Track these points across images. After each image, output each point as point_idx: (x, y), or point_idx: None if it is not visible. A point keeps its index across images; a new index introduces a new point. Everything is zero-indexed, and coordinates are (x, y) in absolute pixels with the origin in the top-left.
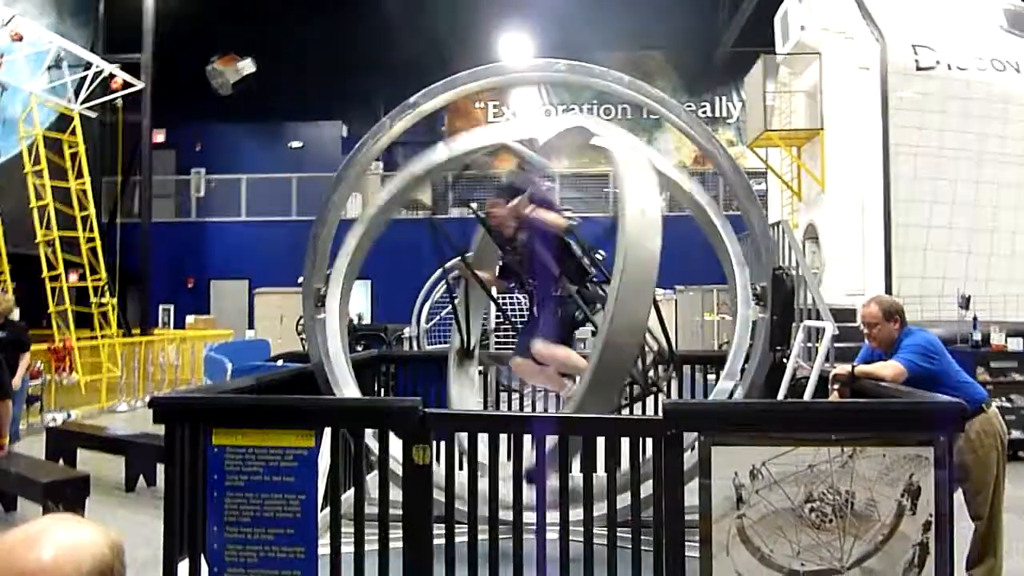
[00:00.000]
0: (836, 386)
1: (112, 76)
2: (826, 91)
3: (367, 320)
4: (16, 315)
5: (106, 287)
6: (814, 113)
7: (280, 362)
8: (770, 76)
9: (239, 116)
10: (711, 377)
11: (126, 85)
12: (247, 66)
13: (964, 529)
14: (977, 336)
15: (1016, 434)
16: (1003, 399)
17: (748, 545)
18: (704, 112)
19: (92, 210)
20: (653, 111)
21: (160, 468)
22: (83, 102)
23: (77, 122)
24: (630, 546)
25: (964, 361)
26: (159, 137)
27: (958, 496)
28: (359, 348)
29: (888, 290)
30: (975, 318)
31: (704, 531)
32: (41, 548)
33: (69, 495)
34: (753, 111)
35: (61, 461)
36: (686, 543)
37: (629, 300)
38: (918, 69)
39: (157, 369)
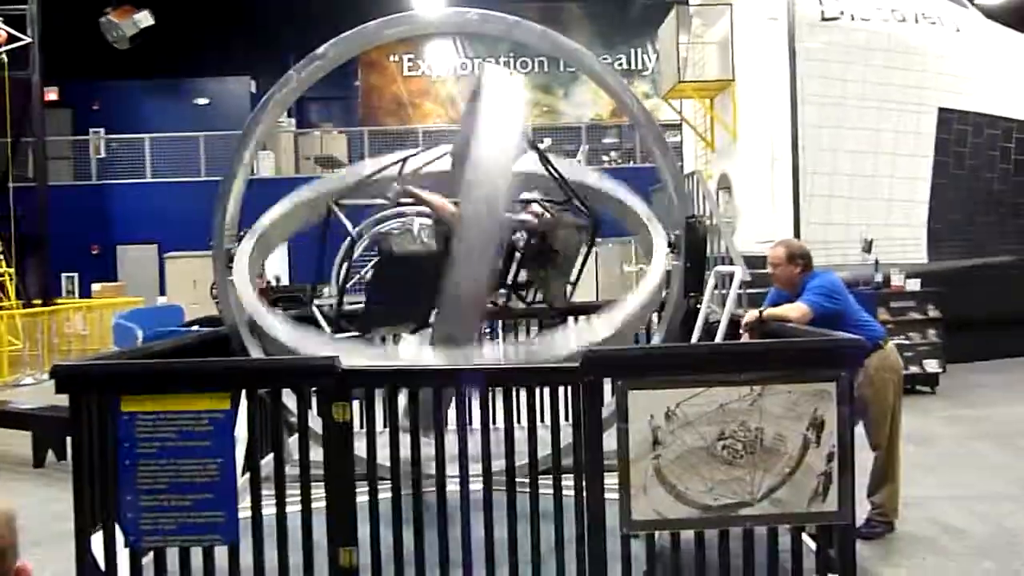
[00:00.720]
0: (745, 332)
1: None
2: (737, 42)
3: (285, 282)
4: None
5: (1, 255)
6: (726, 64)
7: (195, 327)
8: (683, 27)
9: (139, 72)
10: None
11: (11, 39)
12: (144, 18)
13: (864, 459)
14: (879, 278)
15: (913, 369)
16: (902, 336)
17: (664, 484)
18: (620, 65)
19: None
20: (569, 62)
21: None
22: None
23: None
24: (552, 491)
25: (866, 301)
26: (52, 95)
27: (859, 428)
28: (277, 310)
29: (796, 236)
30: (877, 261)
31: (623, 473)
32: None
33: None
34: (667, 63)
35: None
36: (605, 485)
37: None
38: (823, 19)
39: (63, 340)
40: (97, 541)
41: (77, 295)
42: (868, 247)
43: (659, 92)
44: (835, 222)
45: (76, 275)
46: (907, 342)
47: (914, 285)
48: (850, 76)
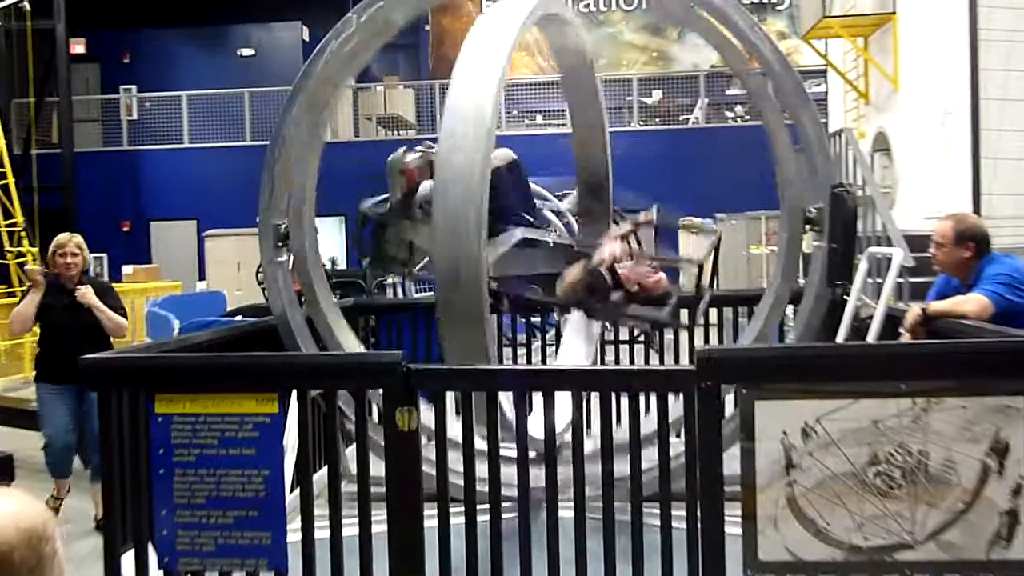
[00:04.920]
0: (906, 332)
1: None
2: None
3: (342, 265)
4: None
5: (23, 233)
6: None
7: (239, 317)
8: None
9: (175, 19)
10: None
11: None
12: None
13: None
14: None
15: None
16: None
17: (800, 518)
18: None
19: (1, 140)
20: None
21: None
22: None
23: None
24: (658, 523)
25: None
26: (78, 48)
27: None
28: (334, 297)
29: (976, 210)
30: None
31: (747, 503)
32: None
33: None
34: None
35: None
36: (726, 517)
37: (448, 230)
38: None
39: None
40: (128, 561)
41: (106, 278)
42: None
43: (799, 30)
44: None
45: (104, 255)
46: None
47: None
48: None
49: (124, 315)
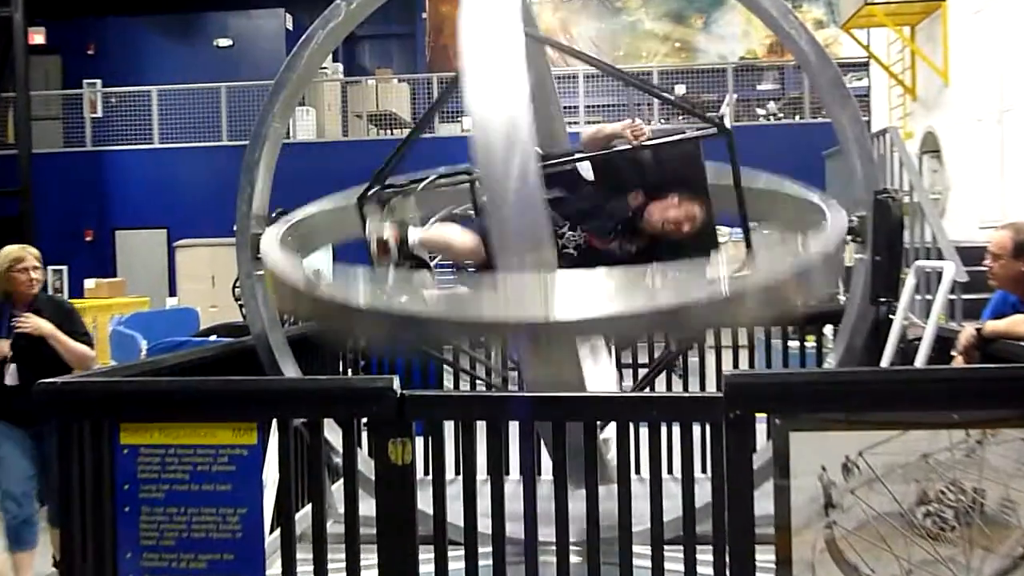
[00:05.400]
0: (959, 355)
1: None
2: None
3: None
4: None
5: None
6: None
7: (213, 337)
8: None
9: (145, 7)
10: (792, 344)
11: None
12: None
13: None
14: None
15: None
16: None
17: (841, 563)
18: None
19: None
20: None
21: None
22: None
23: None
24: (682, 568)
25: None
26: (37, 38)
27: None
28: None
29: None
30: None
31: (782, 546)
32: None
33: None
34: None
35: None
36: (757, 563)
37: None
38: None
39: None
40: None
41: (66, 294)
42: None
43: (838, 19)
44: None
45: (64, 268)
46: None
47: None
48: None
49: (89, 343)
